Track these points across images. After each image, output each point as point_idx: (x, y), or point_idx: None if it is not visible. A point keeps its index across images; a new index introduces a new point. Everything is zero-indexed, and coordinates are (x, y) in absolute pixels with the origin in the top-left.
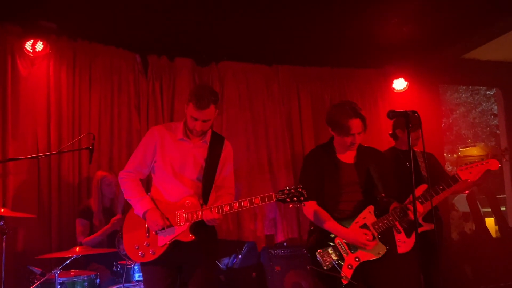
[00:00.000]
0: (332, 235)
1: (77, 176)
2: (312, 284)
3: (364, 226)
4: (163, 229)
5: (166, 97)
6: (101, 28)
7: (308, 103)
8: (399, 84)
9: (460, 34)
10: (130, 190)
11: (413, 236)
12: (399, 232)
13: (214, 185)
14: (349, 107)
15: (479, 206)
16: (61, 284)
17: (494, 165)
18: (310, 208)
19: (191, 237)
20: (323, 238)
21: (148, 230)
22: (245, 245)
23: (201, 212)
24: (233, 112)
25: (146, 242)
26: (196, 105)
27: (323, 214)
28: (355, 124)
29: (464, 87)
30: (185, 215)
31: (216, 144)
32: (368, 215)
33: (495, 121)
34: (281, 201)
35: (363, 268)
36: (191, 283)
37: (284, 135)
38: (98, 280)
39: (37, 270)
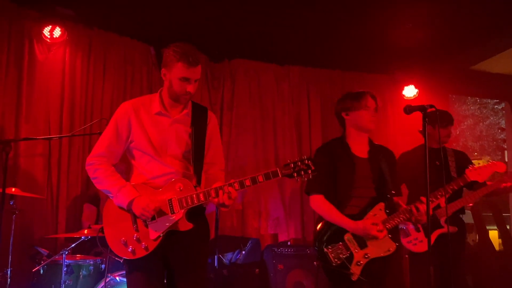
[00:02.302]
0: (342, 231)
1: None
2: (314, 284)
3: (374, 223)
4: (154, 218)
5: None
6: (117, 18)
7: (317, 105)
8: (409, 91)
9: (472, 43)
10: (105, 178)
11: (433, 236)
12: (418, 231)
13: (205, 165)
14: (362, 90)
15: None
16: (67, 266)
17: (501, 167)
18: (318, 202)
19: (189, 225)
20: (332, 234)
21: (135, 222)
22: (249, 242)
23: (198, 196)
24: (242, 109)
25: (135, 236)
26: (188, 61)
27: (331, 208)
28: (369, 99)
29: (472, 100)
30: (178, 201)
31: (200, 116)
32: (378, 212)
33: (502, 135)
34: (287, 176)
35: (373, 265)
36: (181, 281)
37: (292, 135)
38: (103, 266)
39: (44, 251)
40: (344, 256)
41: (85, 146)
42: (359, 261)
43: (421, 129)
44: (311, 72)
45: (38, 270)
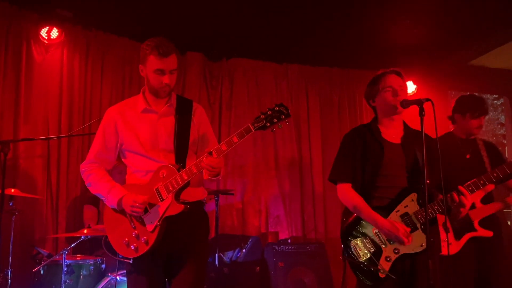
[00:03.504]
0: (370, 224)
1: None
2: (315, 282)
3: (405, 215)
4: (147, 211)
5: (176, 90)
6: (115, 19)
7: (316, 103)
8: (408, 87)
9: (470, 38)
10: (97, 182)
11: (464, 239)
12: (447, 231)
13: (191, 152)
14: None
15: None
16: (67, 266)
17: None
18: (344, 192)
19: (181, 206)
20: (359, 227)
21: (131, 220)
22: (249, 240)
23: (181, 176)
24: (241, 108)
25: (134, 233)
26: (159, 52)
27: (359, 200)
28: (389, 77)
29: None
30: (165, 187)
31: (184, 107)
32: (410, 203)
33: (501, 131)
34: (261, 128)
35: (403, 262)
36: (182, 266)
37: (291, 134)
38: (103, 265)
39: (44, 251)
40: (371, 251)
41: (84, 146)
42: (388, 257)
43: (450, 114)
44: (310, 70)
45: (39, 270)
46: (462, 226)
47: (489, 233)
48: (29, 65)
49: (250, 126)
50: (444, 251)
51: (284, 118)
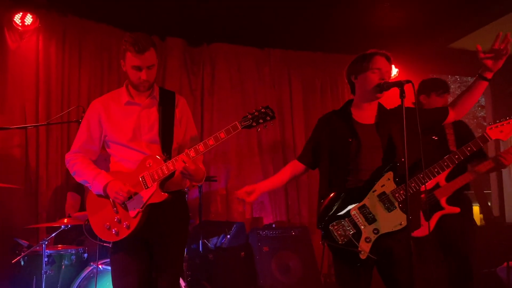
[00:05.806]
0: (347, 206)
1: (65, 150)
2: (300, 265)
3: (383, 194)
4: (130, 197)
5: (157, 77)
6: (92, 4)
7: (299, 88)
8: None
9: (450, 21)
10: (82, 169)
11: (433, 219)
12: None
13: (176, 144)
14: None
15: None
16: (48, 256)
17: None
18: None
19: (164, 195)
20: (336, 210)
21: (114, 205)
22: (234, 225)
23: (167, 166)
24: (224, 94)
25: (116, 218)
26: (135, 49)
27: (277, 173)
28: (379, 59)
29: (453, 78)
30: (150, 175)
31: (167, 99)
32: (387, 182)
33: (482, 113)
34: (247, 127)
35: (383, 242)
36: (160, 257)
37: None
38: (86, 255)
39: (24, 242)
40: (351, 233)
41: (63, 135)
42: (368, 238)
43: (413, 101)
44: (292, 55)
45: (19, 262)
46: (430, 207)
47: (456, 209)
48: (3, 52)
49: (238, 124)
50: (415, 234)
51: (269, 120)
